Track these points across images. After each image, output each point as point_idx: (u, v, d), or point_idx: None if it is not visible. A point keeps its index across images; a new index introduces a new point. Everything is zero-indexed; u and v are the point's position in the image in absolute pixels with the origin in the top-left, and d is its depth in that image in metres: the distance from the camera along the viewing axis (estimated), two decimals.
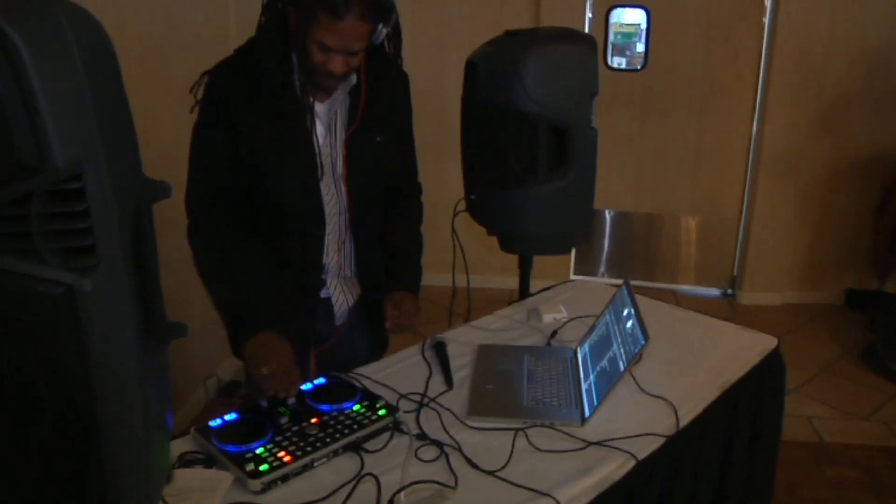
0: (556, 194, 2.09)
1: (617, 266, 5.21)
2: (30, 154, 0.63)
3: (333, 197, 1.81)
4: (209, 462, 1.44)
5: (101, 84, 0.70)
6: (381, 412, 1.58)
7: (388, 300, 1.94)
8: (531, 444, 1.56)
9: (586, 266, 5.18)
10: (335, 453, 1.48)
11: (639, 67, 4.58)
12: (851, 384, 3.81)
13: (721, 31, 4.59)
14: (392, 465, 1.47)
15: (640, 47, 4.59)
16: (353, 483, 1.40)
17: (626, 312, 1.80)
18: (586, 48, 2.07)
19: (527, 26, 2.38)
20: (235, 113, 1.66)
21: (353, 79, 1.72)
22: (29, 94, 0.61)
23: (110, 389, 0.74)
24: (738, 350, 2.03)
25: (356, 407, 1.60)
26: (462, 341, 2.04)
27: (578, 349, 1.95)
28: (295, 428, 1.52)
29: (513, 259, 2.49)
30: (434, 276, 4.58)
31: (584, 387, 1.77)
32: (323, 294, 1.90)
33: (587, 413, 1.66)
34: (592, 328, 1.95)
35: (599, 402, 1.66)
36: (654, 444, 1.58)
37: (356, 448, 1.50)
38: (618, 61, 4.63)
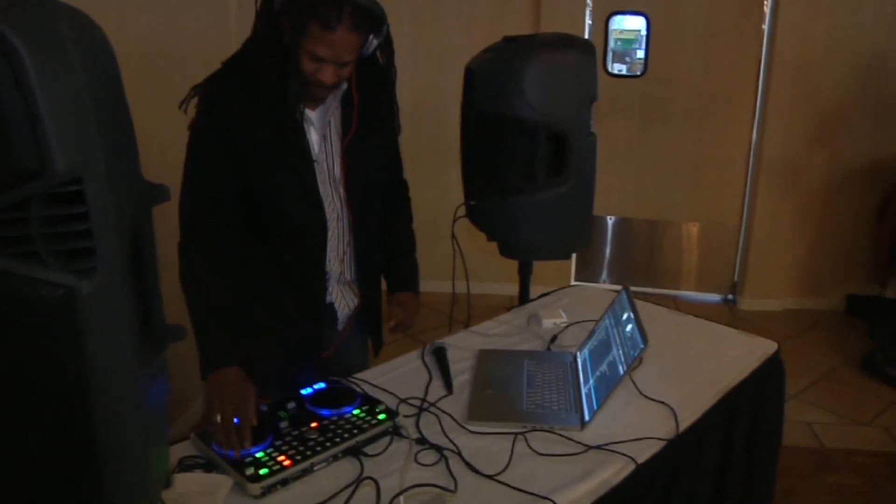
0: (555, 200, 2.09)
1: (617, 272, 5.22)
2: (30, 158, 0.64)
3: (333, 203, 1.81)
4: (209, 467, 1.44)
5: (101, 88, 0.71)
6: (381, 417, 1.59)
7: (392, 300, 2.00)
8: (531, 448, 1.56)
9: (587, 272, 5.18)
10: (335, 457, 1.48)
11: (639, 74, 4.59)
12: (852, 390, 3.81)
13: (721, 40, 4.61)
14: (392, 469, 1.47)
15: (640, 54, 4.60)
16: (352, 487, 1.40)
17: (625, 317, 1.80)
18: (585, 54, 2.08)
19: (526, 33, 2.38)
20: (235, 127, 1.65)
21: (344, 85, 1.72)
22: (30, 98, 0.62)
23: (108, 392, 0.75)
24: (738, 355, 2.03)
25: (356, 411, 1.61)
26: (462, 346, 2.04)
27: (578, 354, 1.95)
28: (295, 432, 1.52)
29: (513, 265, 2.49)
30: (434, 283, 4.60)
31: (583, 391, 1.78)
32: (326, 300, 1.91)
33: (587, 417, 1.66)
34: (592, 333, 1.95)
35: (599, 407, 1.66)
36: (653, 449, 1.58)
37: (356, 452, 1.50)
38: (618, 68, 4.65)
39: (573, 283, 4.94)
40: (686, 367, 1.95)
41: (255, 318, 1.79)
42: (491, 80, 2.05)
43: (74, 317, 0.67)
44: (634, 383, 1.80)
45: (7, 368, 0.69)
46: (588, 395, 1.74)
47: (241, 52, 1.70)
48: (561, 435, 1.61)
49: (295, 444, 1.48)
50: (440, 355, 1.95)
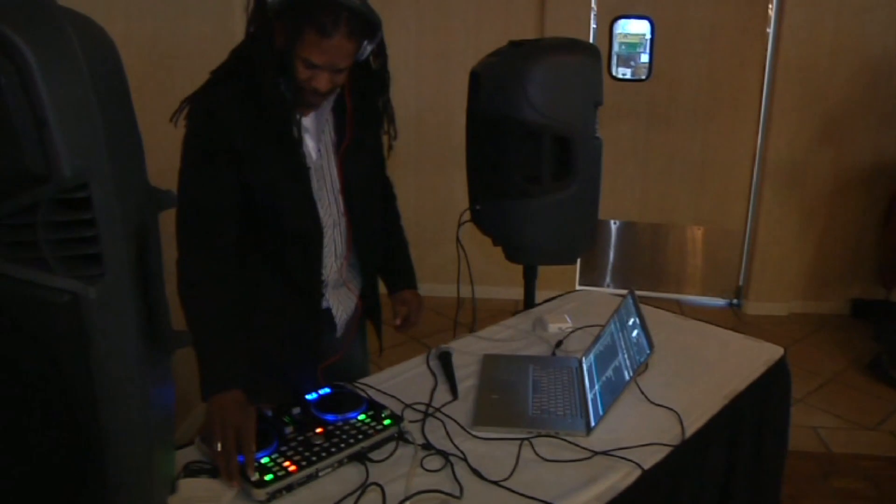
0: (560, 205, 2.09)
1: (622, 276, 5.21)
2: (37, 164, 0.64)
3: (329, 210, 1.80)
4: (214, 472, 1.44)
5: (107, 94, 0.71)
6: (386, 422, 1.58)
7: (397, 299, 2.04)
8: (536, 453, 1.56)
9: (592, 276, 5.18)
10: (340, 463, 1.48)
11: (643, 78, 4.59)
12: (858, 394, 3.79)
13: (725, 43, 4.60)
14: (397, 474, 1.47)
15: (645, 58, 4.59)
16: (358, 493, 1.39)
17: (631, 322, 1.79)
18: (590, 58, 2.08)
19: (531, 37, 2.38)
20: (234, 136, 1.62)
21: (337, 90, 1.71)
22: (37, 104, 0.62)
23: (114, 397, 0.75)
24: (743, 360, 2.02)
25: (361, 417, 1.60)
26: (467, 351, 2.04)
27: (584, 359, 1.95)
28: (300, 437, 1.52)
29: (517, 269, 2.49)
30: (439, 287, 4.61)
31: (589, 396, 1.77)
32: (323, 305, 1.90)
33: (592, 423, 1.65)
34: (597, 338, 1.95)
35: (605, 412, 1.65)
36: (659, 454, 1.57)
37: (361, 458, 1.50)
38: (622, 72, 4.64)
39: (578, 287, 4.93)
40: (691, 372, 1.94)
41: (255, 325, 1.78)
42: (496, 84, 2.05)
43: (80, 322, 0.67)
44: (640, 388, 1.79)
45: (13, 374, 0.68)
46: (594, 401, 1.74)
47: (233, 59, 1.67)
48: (566, 440, 1.60)
49: (300, 449, 1.48)
50: (445, 360, 1.94)
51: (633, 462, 1.52)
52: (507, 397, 1.79)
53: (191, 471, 1.45)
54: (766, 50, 4.54)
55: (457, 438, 1.60)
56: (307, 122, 1.73)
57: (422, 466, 1.50)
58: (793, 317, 4.81)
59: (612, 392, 1.68)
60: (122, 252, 0.71)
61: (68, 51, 0.66)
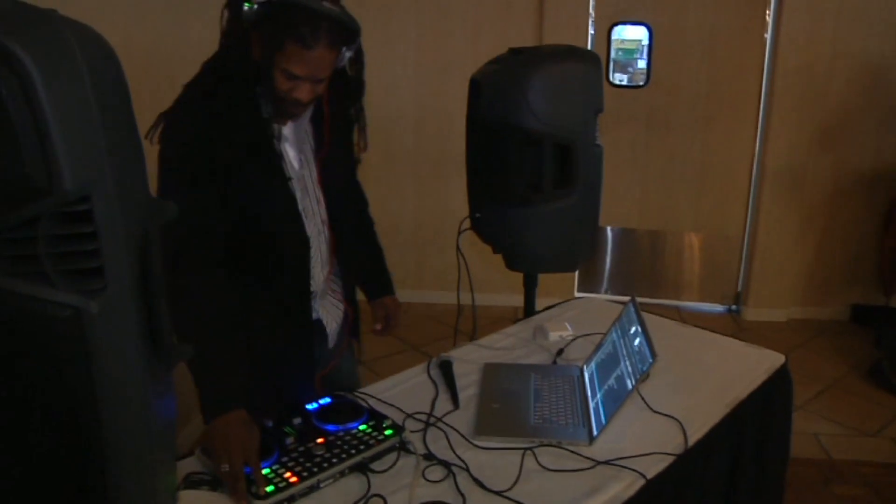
0: (561, 212, 2.08)
1: (621, 283, 5.21)
2: (39, 176, 0.63)
3: (314, 219, 1.79)
4: (215, 483, 1.43)
5: (109, 105, 0.70)
6: (388, 432, 1.57)
7: (377, 305, 2.05)
8: (539, 463, 1.55)
9: (590, 283, 5.17)
10: (342, 474, 1.47)
11: (641, 84, 4.60)
12: (858, 401, 3.79)
13: (723, 48, 4.61)
14: (399, 485, 1.46)
15: (642, 63, 4.60)
16: None
17: (633, 330, 1.79)
18: (590, 66, 2.07)
19: (530, 44, 2.38)
20: (215, 150, 1.57)
21: (317, 99, 1.68)
22: (39, 116, 0.61)
23: (116, 411, 0.74)
24: (745, 367, 2.02)
25: (362, 427, 1.59)
26: (468, 360, 2.03)
27: (585, 367, 1.94)
28: (301, 448, 1.51)
29: (516, 276, 2.48)
30: (438, 294, 4.61)
31: (591, 405, 1.76)
32: (313, 317, 1.88)
33: (595, 432, 1.64)
34: (599, 346, 1.94)
35: (607, 421, 1.65)
36: (662, 463, 1.57)
37: (363, 468, 1.49)
38: (619, 78, 4.65)
39: (577, 293, 4.93)
40: (693, 380, 1.94)
41: (247, 343, 1.72)
42: (497, 91, 2.05)
43: (82, 337, 0.66)
44: (642, 397, 1.78)
45: (14, 389, 0.68)
46: (596, 410, 1.73)
47: (207, 72, 1.63)
48: (569, 450, 1.59)
49: (301, 460, 1.47)
50: (446, 369, 1.93)
51: (637, 471, 1.52)
52: (508, 406, 1.78)
53: (191, 482, 1.43)
54: (765, 55, 4.54)
55: (458, 448, 1.59)
56: (287, 131, 1.71)
57: (424, 477, 1.49)
58: (792, 323, 4.80)
59: (615, 401, 1.68)
60: (125, 265, 0.70)
61: (70, 61, 0.65)
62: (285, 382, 1.85)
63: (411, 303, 4.85)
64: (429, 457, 1.55)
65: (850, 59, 4.44)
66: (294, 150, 1.73)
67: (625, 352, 1.77)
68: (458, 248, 2.22)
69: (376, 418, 1.63)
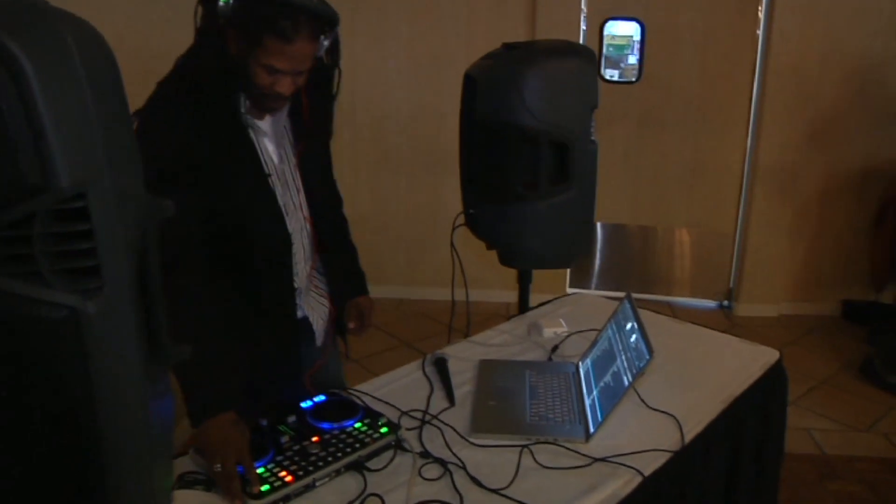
0: (557, 209, 2.07)
1: (614, 279, 5.21)
2: (33, 173, 0.61)
3: (295, 214, 1.77)
4: (209, 484, 1.41)
5: (105, 101, 0.69)
6: (383, 430, 1.56)
7: (351, 305, 2.00)
8: (536, 461, 1.54)
9: (583, 279, 5.17)
10: (337, 472, 1.46)
11: (633, 80, 4.59)
12: (850, 396, 3.80)
13: (716, 46, 4.61)
14: (396, 483, 1.45)
15: (632, 59, 4.60)
16: (357, 503, 1.37)
17: (629, 327, 1.78)
18: (586, 62, 2.07)
19: (522, 39, 2.37)
20: (192, 150, 1.54)
21: (297, 91, 1.66)
22: (33, 112, 0.60)
23: (114, 413, 0.73)
24: (740, 364, 2.02)
25: (358, 425, 1.58)
26: (462, 357, 2.02)
27: (580, 364, 1.94)
28: (296, 447, 1.49)
29: (508, 272, 2.47)
30: (429, 290, 4.60)
31: (587, 402, 1.76)
32: (299, 315, 1.86)
33: (591, 429, 1.64)
34: (594, 343, 1.93)
35: (604, 418, 1.64)
36: (659, 460, 1.56)
37: (359, 467, 1.48)
38: (610, 73, 4.65)
39: (569, 289, 4.92)
40: (689, 376, 1.93)
41: (233, 345, 1.66)
42: (492, 87, 2.04)
43: (79, 338, 0.65)
44: (638, 394, 1.78)
45: (9, 391, 0.66)
46: (592, 407, 1.72)
47: (180, 70, 1.60)
48: (566, 447, 1.59)
49: (296, 458, 1.46)
50: (441, 366, 1.93)
51: (634, 469, 1.51)
52: (504, 404, 1.77)
53: (185, 482, 1.42)
54: (757, 54, 4.54)
55: (455, 446, 1.58)
56: (265, 126, 1.68)
57: (420, 475, 1.48)
58: (783, 319, 4.81)
59: (612, 398, 1.67)
60: (122, 264, 0.69)
61: (65, 56, 0.64)
62: (272, 382, 1.83)
63: (403, 299, 4.85)
64: (425, 455, 1.54)
65: (842, 58, 4.45)
66: (273, 144, 1.71)
67: (621, 348, 1.76)
68: (452, 245, 2.21)
69: (371, 416, 1.62)
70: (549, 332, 2.18)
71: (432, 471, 1.50)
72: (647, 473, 1.51)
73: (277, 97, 1.59)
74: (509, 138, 2.01)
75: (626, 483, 1.49)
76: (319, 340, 1.93)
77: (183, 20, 1.55)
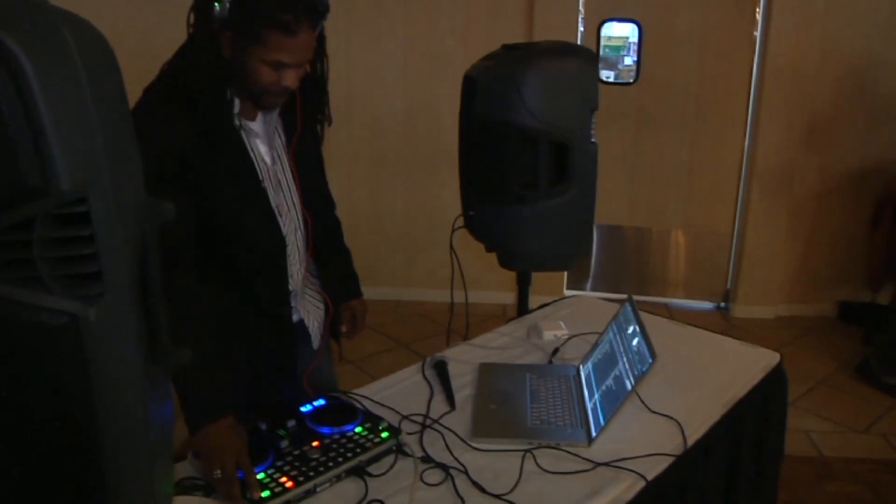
0: (557, 210, 2.06)
1: (610, 280, 5.20)
2: (33, 176, 0.59)
3: (289, 214, 1.75)
4: (208, 489, 1.39)
5: (106, 101, 0.67)
6: (384, 434, 1.55)
7: (346, 309, 2.01)
8: (538, 465, 1.53)
9: (579, 280, 5.16)
10: (338, 478, 1.44)
11: (631, 81, 4.58)
12: (848, 397, 3.80)
13: (713, 46, 4.61)
14: (397, 488, 1.43)
15: (628, 60, 4.60)
16: None
17: (630, 330, 1.77)
18: (586, 62, 2.05)
19: (520, 40, 2.35)
20: (183, 154, 1.53)
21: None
22: (33, 113, 0.58)
23: (115, 420, 0.71)
24: (741, 366, 2.01)
25: (358, 429, 1.57)
26: (462, 360, 2.01)
27: (581, 367, 1.92)
28: (296, 452, 1.48)
29: (505, 274, 2.45)
30: (426, 292, 4.58)
31: (588, 406, 1.74)
32: (295, 318, 1.84)
33: (594, 433, 1.63)
34: (595, 346, 1.92)
35: (606, 423, 1.63)
36: (662, 464, 1.55)
37: (360, 472, 1.46)
38: (606, 74, 4.64)
39: (566, 291, 4.91)
40: (690, 379, 1.92)
41: (228, 350, 1.66)
42: (491, 88, 2.02)
43: (79, 346, 0.63)
44: (640, 397, 1.77)
45: (8, 399, 0.64)
46: (594, 410, 1.71)
47: (169, 76, 1.58)
48: (568, 451, 1.57)
49: (297, 464, 1.44)
50: (441, 369, 1.91)
51: (637, 473, 1.50)
52: (505, 407, 1.76)
53: (184, 487, 1.40)
54: (754, 54, 4.54)
55: (456, 450, 1.57)
56: (256, 126, 1.67)
57: (422, 480, 1.46)
58: (780, 320, 4.81)
59: (614, 402, 1.66)
60: (123, 269, 0.67)
61: (66, 55, 0.62)
62: (270, 385, 1.81)
63: (400, 300, 4.83)
64: (426, 459, 1.53)
65: (839, 58, 4.45)
66: (265, 146, 1.69)
67: (622, 352, 1.75)
68: (451, 247, 2.19)
69: (372, 420, 1.60)
70: (548, 334, 2.17)
71: (434, 476, 1.48)
72: (650, 478, 1.50)
73: (284, 92, 1.58)
74: (509, 139, 2.00)
75: (628, 487, 1.48)
76: (316, 342, 1.91)
77: (183, 21, 1.54)
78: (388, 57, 4.67)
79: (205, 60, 1.51)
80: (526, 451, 1.56)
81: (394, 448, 1.54)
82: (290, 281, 1.78)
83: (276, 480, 1.39)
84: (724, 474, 1.84)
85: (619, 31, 4.55)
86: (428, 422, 1.68)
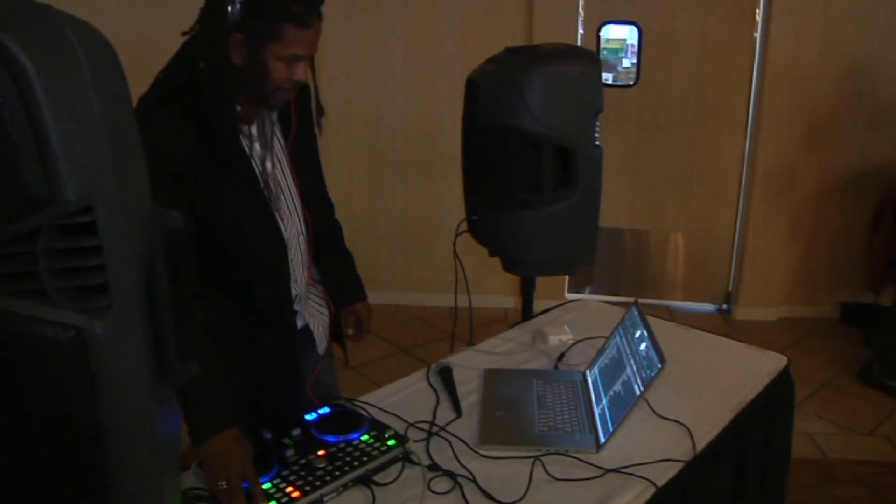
0: (561, 214, 2.04)
1: (612, 283, 5.18)
2: (38, 185, 0.58)
3: (290, 218, 1.73)
4: (213, 500, 1.37)
5: (111, 109, 0.65)
6: (391, 443, 1.53)
7: (351, 312, 1.98)
8: (547, 472, 1.51)
9: (581, 284, 5.14)
10: (345, 487, 1.42)
11: (631, 83, 4.57)
12: (851, 400, 3.78)
13: (713, 49, 4.60)
14: (405, 497, 1.41)
15: (627, 63, 4.58)
16: None
17: (638, 334, 1.75)
18: (590, 65, 2.04)
19: (520, 43, 2.33)
20: (184, 168, 1.51)
21: None
22: (38, 121, 0.56)
23: (122, 436, 0.69)
24: (748, 370, 1.99)
25: (364, 437, 1.55)
26: (467, 366, 1.99)
27: (588, 372, 1.90)
28: (302, 461, 1.46)
29: (508, 278, 2.45)
30: (428, 296, 4.56)
31: (596, 411, 1.73)
32: (299, 323, 1.82)
33: (602, 439, 1.61)
34: (602, 351, 1.90)
35: (615, 428, 1.61)
36: (672, 470, 1.53)
37: (367, 481, 1.44)
38: (605, 76, 4.62)
39: (567, 294, 4.89)
40: (697, 383, 1.90)
41: (231, 359, 1.64)
42: (495, 91, 2.00)
43: (86, 360, 0.61)
44: (647, 402, 1.75)
45: (15, 414, 0.63)
46: (602, 416, 1.69)
47: (174, 80, 1.56)
48: (576, 458, 1.56)
49: (302, 473, 1.42)
50: (446, 376, 1.89)
51: (647, 479, 1.48)
52: (512, 414, 1.74)
53: (189, 498, 1.38)
54: (754, 57, 4.53)
55: (464, 458, 1.55)
56: (254, 131, 1.65)
57: (430, 489, 1.44)
58: (782, 322, 4.79)
59: (622, 407, 1.64)
60: (130, 280, 0.65)
61: (71, 61, 0.60)
62: (274, 393, 1.79)
63: (400, 305, 4.81)
64: (434, 468, 1.51)
65: (838, 61, 4.44)
66: (263, 148, 1.67)
67: (630, 356, 1.73)
68: (454, 252, 2.18)
69: (378, 428, 1.59)
70: (554, 339, 2.15)
71: (442, 484, 1.46)
72: (660, 484, 1.48)
73: (293, 86, 1.58)
74: (512, 142, 1.98)
75: (638, 494, 1.46)
76: (321, 347, 1.89)
77: (183, 21, 1.52)
78: (387, 58, 4.65)
79: (215, 66, 1.50)
80: (535, 458, 1.54)
81: (401, 456, 1.52)
82: (294, 285, 1.76)
83: (281, 490, 1.37)
84: (731, 478, 1.82)
85: (617, 34, 4.54)
86: (434, 429, 1.66)
